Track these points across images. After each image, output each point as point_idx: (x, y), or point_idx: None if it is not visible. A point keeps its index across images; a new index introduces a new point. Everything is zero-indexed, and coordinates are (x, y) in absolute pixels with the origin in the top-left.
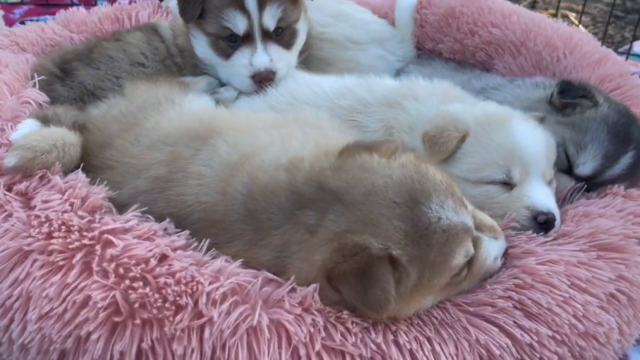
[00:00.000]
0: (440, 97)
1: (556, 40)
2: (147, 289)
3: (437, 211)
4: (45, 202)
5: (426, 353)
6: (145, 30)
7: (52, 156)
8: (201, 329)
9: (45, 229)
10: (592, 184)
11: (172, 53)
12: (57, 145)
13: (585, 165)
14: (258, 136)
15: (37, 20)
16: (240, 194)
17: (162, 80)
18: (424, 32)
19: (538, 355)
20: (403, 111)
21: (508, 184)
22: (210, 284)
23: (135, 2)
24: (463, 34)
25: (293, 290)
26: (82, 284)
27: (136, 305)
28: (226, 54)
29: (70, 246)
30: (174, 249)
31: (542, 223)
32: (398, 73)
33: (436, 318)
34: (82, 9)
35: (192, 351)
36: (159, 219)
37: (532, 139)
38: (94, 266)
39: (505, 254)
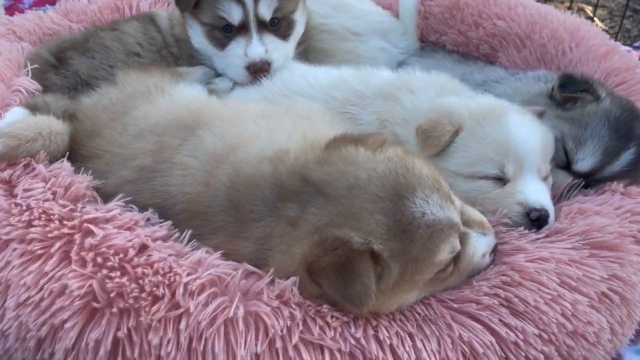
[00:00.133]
0: (436, 90)
1: (562, 32)
2: (124, 279)
3: (422, 206)
4: (27, 190)
5: (407, 349)
6: (142, 20)
7: (37, 145)
8: (178, 320)
9: (25, 218)
10: (592, 181)
11: (168, 43)
12: (42, 133)
13: (584, 161)
14: (245, 127)
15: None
16: (224, 186)
17: (154, 69)
18: (428, 24)
19: (523, 354)
20: (397, 104)
21: (501, 180)
22: (188, 275)
23: None
24: (467, 26)
25: (273, 282)
26: (60, 273)
27: (112, 295)
28: (221, 44)
29: (50, 235)
30: (155, 240)
31: (535, 220)
32: (400, 65)
33: (419, 314)
34: None
35: (169, 342)
36: (144, 209)
37: (528, 134)
38: (73, 255)
39: (495, 251)
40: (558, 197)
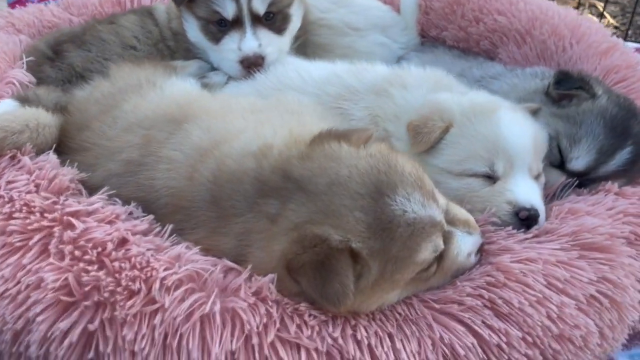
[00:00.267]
0: (429, 86)
1: (563, 28)
2: (101, 273)
3: (403, 204)
4: (10, 182)
5: (385, 349)
6: (140, 14)
7: (24, 137)
8: (153, 315)
9: (6, 210)
10: (586, 180)
11: (165, 36)
12: (29, 126)
13: (579, 160)
14: (232, 122)
15: None
16: (207, 180)
17: (147, 63)
18: (428, 19)
19: (506, 357)
20: (390, 99)
21: (491, 178)
22: (165, 270)
23: None
24: (468, 21)
25: (251, 279)
26: (37, 266)
27: (88, 289)
28: (216, 39)
29: (29, 227)
30: (135, 234)
31: (524, 219)
32: (399, 60)
33: (400, 314)
34: None
35: (143, 337)
36: (129, 202)
37: (519, 131)
38: (51, 248)
39: (481, 250)
40: (551, 196)
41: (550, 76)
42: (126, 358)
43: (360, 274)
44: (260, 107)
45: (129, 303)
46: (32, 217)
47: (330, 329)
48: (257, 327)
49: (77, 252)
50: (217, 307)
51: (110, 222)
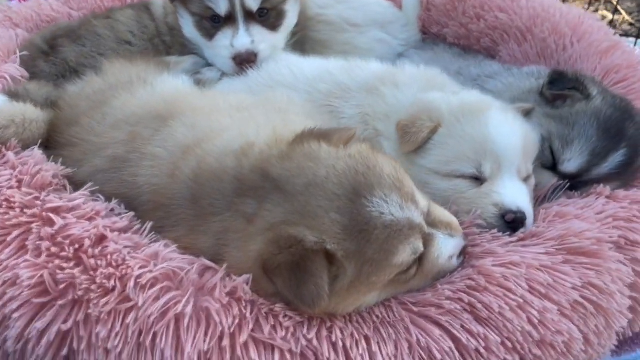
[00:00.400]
0: (421, 85)
1: (564, 26)
2: (76, 270)
3: (380, 206)
4: None
5: (361, 351)
6: (137, 8)
7: (9, 132)
8: (127, 313)
9: None
10: (578, 183)
11: (161, 32)
12: (15, 121)
13: (571, 162)
14: (218, 119)
15: None
16: (188, 178)
17: (140, 59)
18: (430, 15)
19: None
20: (380, 98)
21: (479, 179)
22: (140, 268)
23: None
24: (469, 18)
25: (228, 278)
26: (14, 262)
27: (63, 286)
28: (209, 35)
29: (8, 223)
30: (114, 231)
31: (510, 222)
32: (399, 58)
33: (378, 316)
34: None
35: (117, 335)
36: (113, 199)
37: (508, 132)
38: (29, 244)
39: (464, 253)
40: (542, 199)
41: (545, 76)
42: (100, 355)
43: (336, 276)
44: (247, 105)
45: (103, 301)
46: (12, 213)
47: (305, 330)
48: (230, 328)
49: (54, 249)
50: (191, 307)
51: (90, 219)
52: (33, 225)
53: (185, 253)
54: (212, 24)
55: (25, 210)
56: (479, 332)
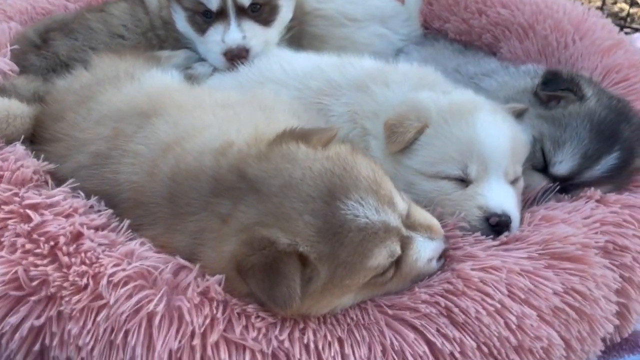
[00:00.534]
0: (412, 83)
1: (566, 24)
2: (50, 267)
3: (354, 208)
4: None
5: (333, 353)
6: (131, 1)
7: None
8: (99, 310)
9: None
10: (570, 185)
11: (155, 25)
12: None
13: (562, 165)
14: (201, 117)
15: None
16: (166, 177)
17: (129, 54)
18: (432, 10)
19: None
20: (370, 96)
21: (464, 181)
22: (113, 266)
23: None
24: (470, 13)
25: (202, 278)
26: None
27: (36, 283)
28: (201, 30)
29: None
30: (90, 228)
31: (494, 225)
32: (398, 53)
33: (352, 318)
34: None
35: (88, 332)
36: (93, 195)
37: (495, 134)
38: (5, 240)
39: (445, 256)
40: (531, 201)
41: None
42: (71, 352)
43: (310, 278)
44: (233, 102)
45: (75, 298)
46: None
47: (277, 332)
48: (200, 327)
49: (29, 246)
50: (163, 306)
51: (67, 216)
52: (10, 222)
53: (161, 251)
54: (204, 19)
55: (2, 207)
56: (455, 336)
